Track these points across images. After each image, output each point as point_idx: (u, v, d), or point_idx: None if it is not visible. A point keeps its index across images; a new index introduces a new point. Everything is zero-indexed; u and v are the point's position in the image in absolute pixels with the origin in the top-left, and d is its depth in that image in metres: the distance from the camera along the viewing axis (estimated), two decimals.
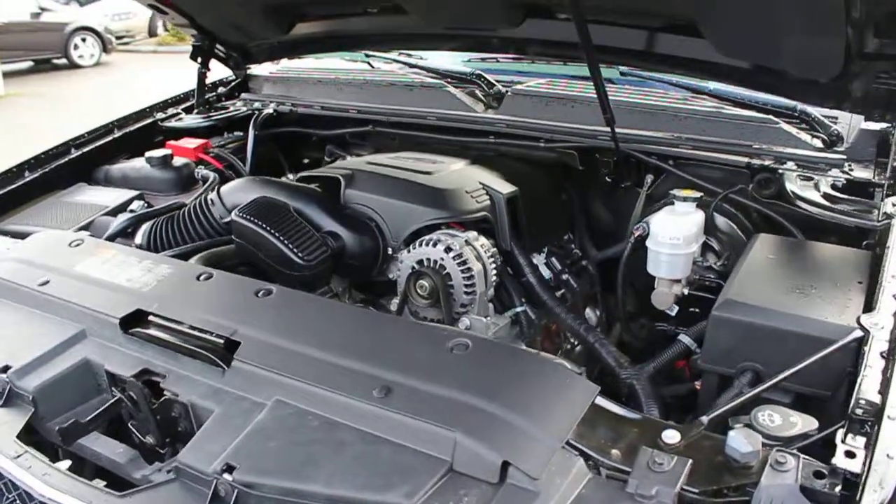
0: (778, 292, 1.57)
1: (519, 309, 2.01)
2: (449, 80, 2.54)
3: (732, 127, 2.09)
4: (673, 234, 1.86)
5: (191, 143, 2.60)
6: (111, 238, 2.03)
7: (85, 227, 2.14)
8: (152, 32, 17.19)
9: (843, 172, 1.94)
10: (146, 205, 2.22)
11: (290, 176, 2.80)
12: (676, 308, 2.17)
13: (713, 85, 2.22)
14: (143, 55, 15.84)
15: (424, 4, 2.18)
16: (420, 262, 1.91)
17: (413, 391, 1.26)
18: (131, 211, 2.18)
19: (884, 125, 1.97)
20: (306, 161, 2.96)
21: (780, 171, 1.97)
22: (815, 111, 2.13)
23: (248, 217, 1.86)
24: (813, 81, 1.89)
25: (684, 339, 1.79)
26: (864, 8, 1.55)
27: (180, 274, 1.67)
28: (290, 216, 1.87)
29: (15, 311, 1.67)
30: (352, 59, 2.98)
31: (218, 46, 2.81)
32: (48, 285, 1.69)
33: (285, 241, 1.82)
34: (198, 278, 1.64)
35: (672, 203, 1.98)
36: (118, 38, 15.50)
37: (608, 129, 2.14)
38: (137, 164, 2.44)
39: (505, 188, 2.08)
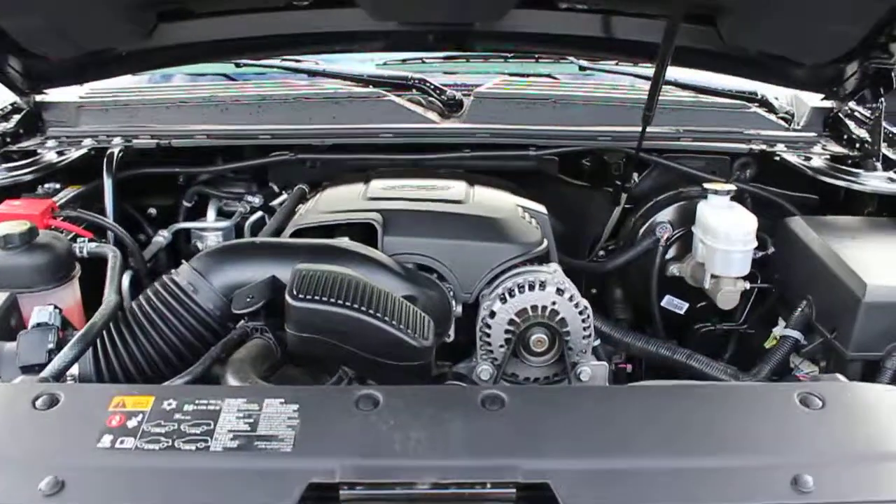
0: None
1: (596, 343, 1.73)
2: (384, 88, 2.09)
3: (716, 115, 2.09)
4: (747, 229, 1.78)
5: (26, 205, 1.73)
6: (58, 377, 1.22)
7: None
8: None
9: (824, 149, 2.07)
10: (57, 311, 1.38)
11: (165, 233, 2.06)
12: (686, 305, 2.11)
13: (676, 74, 2.19)
14: None
15: None
16: (522, 311, 1.52)
17: (835, 473, 0.96)
18: (41, 325, 1.34)
19: (830, 103, 2.15)
20: (152, 212, 2.18)
21: (778, 153, 2.02)
22: (767, 93, 2.24)
23: (328, 299, 1.26)
24: (804, 65, 1.96)
25: (793, 333, 1.71)
26: None
27: (318, 403, 1.05)
28: (375, 290, 1.32)
29: None
30: (195, 73, 2.28)
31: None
32: (65, 491, 0.93)
33: (394, 323, 1.28)
34: (357, 405, 1.05)
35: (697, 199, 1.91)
36: None
37: (606, 129, 1.99)
38: None
39: (540, 207, 1.78)
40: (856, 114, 2.18)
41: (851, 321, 1.56)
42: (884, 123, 1.98)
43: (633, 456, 0.98)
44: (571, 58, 2.24)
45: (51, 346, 1.31)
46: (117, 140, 1.99)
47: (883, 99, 1.95)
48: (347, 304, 1.26)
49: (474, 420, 1.04)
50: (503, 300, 1.52)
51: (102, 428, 1.00)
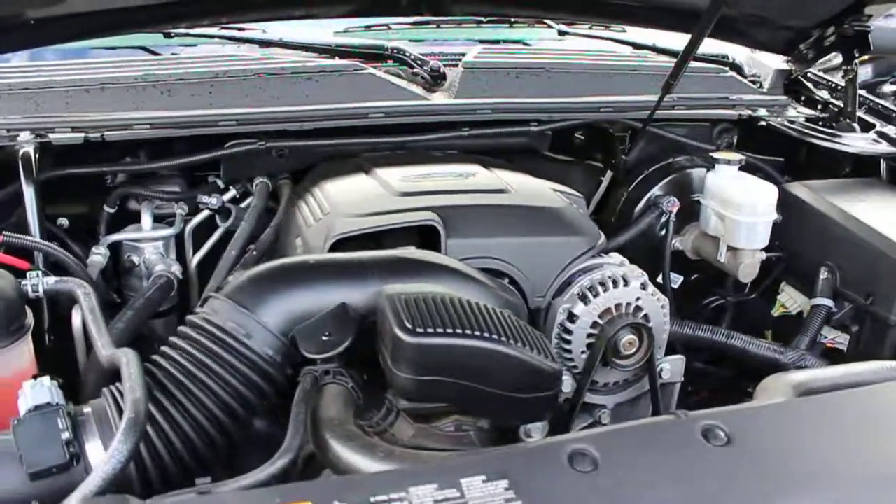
0: None
1: None
2: (360, 59, 1.78)
3: (700, 81, 2.01)
4: (771, 200, 1.72)
5: None
6: (105, 491, 0.86)
7: None
8: None
9: (797, 112, 2.08)
10: (55, 384, 0.99)
11: (101, 250, 1.64)
12: (681, 279, 2.06)
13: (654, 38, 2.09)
14: None
15: None
16: (606, 312, 1.35)
17: None
18: (41, 407, 0.95)
19: (789, 65, 2.17)
20: (64, 223, 1.73)
21: (764, 118, 2.00)
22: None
23: (452, 331, 1.00)
24: (786, 27, 1.94)
25: (825, 301, 1.69)
26: None
27: (527, 472, 0.81)
28: (492, 310, 1.08)
29: None
30: (102, 46, 1.82)
31: None
32: None
33: (527, 350, 1.05)
34: (572, 465, 0.83)
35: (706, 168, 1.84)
36: None
37: (607, 99, 1.86)
38: None
39: (572, 190, 1.62)
40: (809, 75, 2.22)
41: (894, 286, 1.57)
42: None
43: None
44: (551, 22, 2.07)
45: (66, 436, 0.94)
46: (25, 135, 1.52)
47: (857, 61, 1.98)
48: (476, 333, 1.02)
49: (712, 463, 0.86)
50: (585, 301, 1.34)
51: None
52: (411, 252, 1.21)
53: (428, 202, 1.36)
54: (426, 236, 1.33)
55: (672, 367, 1.45)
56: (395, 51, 1.83)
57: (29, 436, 0.93)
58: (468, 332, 1.02)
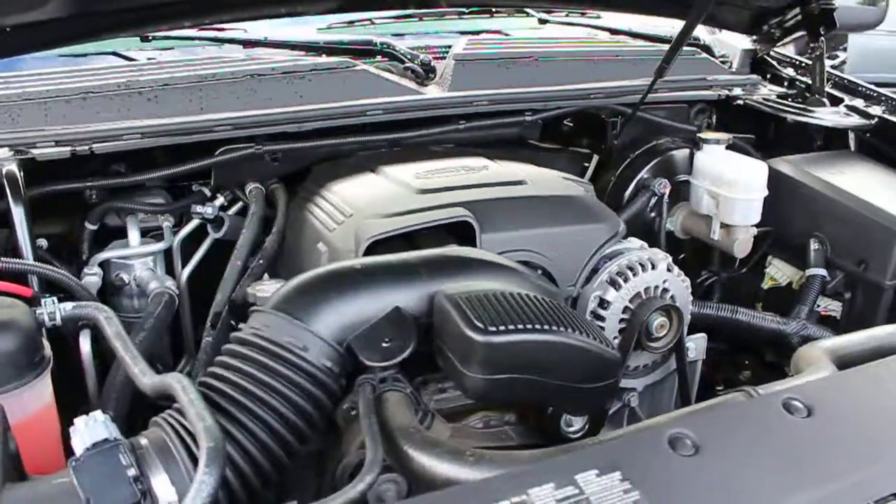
0: None
1: None
2: (349, 56, 1.73)
3: (678, 64, 2.01)
4: (765, 176, 1.77)
5: None
6: None
7: None
8: None
9: (769, 90, 2.14)
10: (108, 417, 0.91)
11: (95, 269, 1.56)
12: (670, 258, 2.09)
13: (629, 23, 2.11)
14: None
15: None
16: (636, 296, 1.36)
17: None
18: (98, 444, 0.88)
19: (755, 45, 2.23)
20: (43, 244, 1.61)
21: (741, 98, 2.05)
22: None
23: (522, 327, 0.98)
24: (757, 7, 1.99)
25: (819, 271, 1.75)
26: None
27: (633, 461, 0.80)
28: (551, 303, 1.07)
29: None
30: (68, 54, 1.71)
31: None
32: None
33: (591, 340, 1.04)
34: (674, 450, 0.82)
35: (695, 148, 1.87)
36: None
37: (596, 85, 1.87)
38: None
39: (580, 178, 1.62)
40: (773, 53, 2.29)
41: (887, 253, 1.64)
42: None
43: None
44: (531, 10, 2.05)
45: (132, 472, 0.87)
46: (3, 152, 1.41)
47: (823, 38, 2.05)
48: (545, 327, 1.01)
49: (804, 434, 0.88)
50: (615, 286, 1.35)
51: None
52: (456, 250, 1.19)
53: (452, 198, 1.33)
54: (454, 232, 1.30)
55: (696, 346, 1.48)
56: (384, 46, 1.79)
57: (92, 476, 0.85)
58: (537, 326, 1.00)
